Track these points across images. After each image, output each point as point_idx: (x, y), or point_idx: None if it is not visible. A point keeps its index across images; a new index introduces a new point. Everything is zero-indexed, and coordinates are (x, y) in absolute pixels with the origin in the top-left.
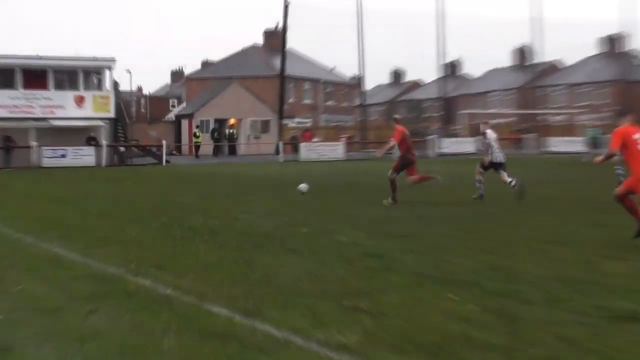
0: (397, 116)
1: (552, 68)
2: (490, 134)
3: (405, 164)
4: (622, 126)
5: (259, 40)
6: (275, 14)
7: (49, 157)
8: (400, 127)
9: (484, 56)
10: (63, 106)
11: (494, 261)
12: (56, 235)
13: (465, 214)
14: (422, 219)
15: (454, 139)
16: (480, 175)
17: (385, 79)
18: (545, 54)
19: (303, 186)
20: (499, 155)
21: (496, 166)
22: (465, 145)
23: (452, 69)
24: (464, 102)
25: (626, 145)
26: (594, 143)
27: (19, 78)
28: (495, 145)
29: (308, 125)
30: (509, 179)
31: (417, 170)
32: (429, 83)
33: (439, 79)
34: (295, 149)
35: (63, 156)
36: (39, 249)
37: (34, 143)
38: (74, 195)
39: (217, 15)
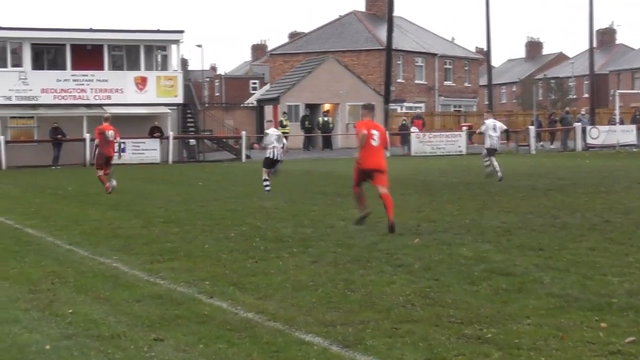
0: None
1: None
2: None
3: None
4: None
5: (360, 5)
6: None
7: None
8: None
9: None
10: (121, 90)
11: None
12: (114, 247)
13: (618, 222)
14: (564, 229)
15: (606, 127)
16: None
17: (518, 52)
18: None
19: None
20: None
21: (491, 152)
22: (621, 135)
23: (604, 39)
24: (619, 79)
25: None
26: None
27: (68, 56)
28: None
29: (420, 111)
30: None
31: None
32: (574, 57)
33: (587, 52)
34: (405, 141)
35: (122, 151)
36: (95, 263)
37: (86, 135)
38: (135, 198)
39: None
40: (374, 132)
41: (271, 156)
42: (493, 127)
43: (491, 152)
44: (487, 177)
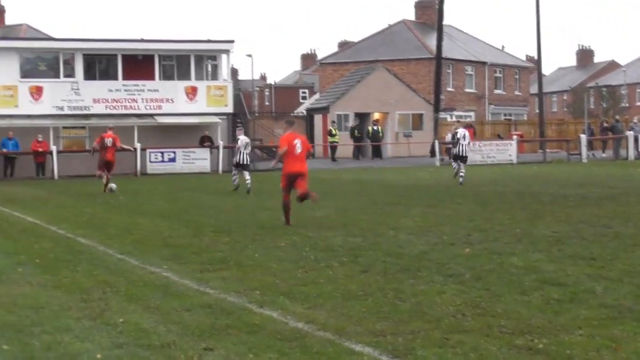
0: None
1: None
2: (460, 132)
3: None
4: None
5: (409, 14)
6: None
7: (155, 161)
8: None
9: None
10: (171, 99)
11: None
12: (165, 257)
13: None
14: (616, 238)
15: None
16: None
17: (569, 60)
18: None
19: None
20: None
21: (462, 159)
22: None
23: None
24: None
25: None
26: None
27: (119, 66)
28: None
29: (470, 120)
30: (463, 173)
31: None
32: (626, 64)
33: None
34: None
35: (172, 160)
36: (145, 272)
37: (137, 145)
38: (185, 208)
39: None
40: (297, 141)
41: (238, 159)
42: (463, 137)
43: (461, 158)
44: (455, 177)
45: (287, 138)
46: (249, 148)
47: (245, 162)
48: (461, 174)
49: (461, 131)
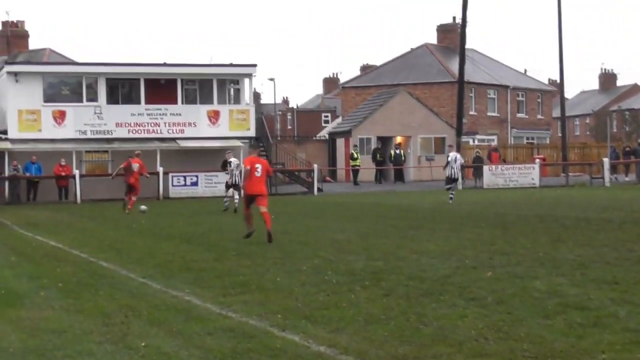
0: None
1: None
2: (452, 155)
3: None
4: None
5: (432, 38)
6: (452, 5)
7: (178, 185)
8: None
9: None
10: (194, 123)
11: None
12: (187, 280)
13: None
14: None
15: None
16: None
17: (592, 83)
18: None
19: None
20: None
21: (451, 181)
22: None
23: None
24: None
25: None
26: None
27: (142, 90)
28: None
29: (495, 144)
30: (452, 195)
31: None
32: None
33: None
34: (478, 174)
35: (194, 184)
36: (167, 296)
37: (160, 169)
38: (207, 232)
39: (380, 9)
40: (258, 165)
41: (232, 181)
42: (455, 159)
43: (452, 180)
44: (451, 199)
45: (250, 160)
46: (240, 168)
47: (237, 183)
48: (451, 195)
49: (452, 155)
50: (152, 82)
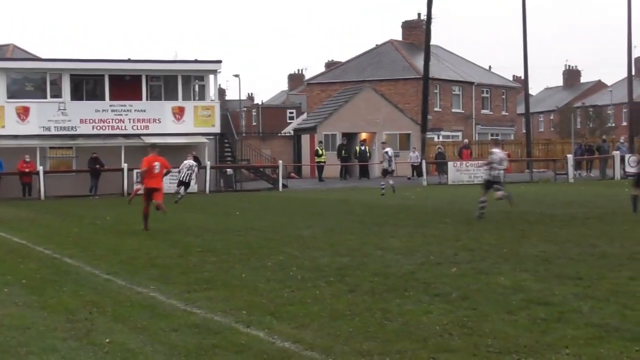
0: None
1: None
2: (390, 151)
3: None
4: None
5: (397, 35)
6: (417, 2)
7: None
8: (149, 156)
9: None
10: (159, 120)
11: None
12: (152, 277)
13: None
14: (603, 258)
15: None
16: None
17: (556, 80)
18: None
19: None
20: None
21: (490, 183)
22: None
23: None
24: None
25: None
26: None
27: (106, 87)
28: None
29: (466, 141)
30: (383, 185)
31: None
32: (612, 85)
33: (625, 79)
34: (442, 170)
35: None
36: (132, 292)
37: (124, 165)
38: (172, 228)
39: (345, 5)
40: (156, 163)
41: (183, 179)
42: (390, 155)
43: (388, 173)
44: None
45: (148, 160)
46: (194, 169)
47: (186, 181)
48: (382, 185)
49: (390, 150)
50: (116, 79)
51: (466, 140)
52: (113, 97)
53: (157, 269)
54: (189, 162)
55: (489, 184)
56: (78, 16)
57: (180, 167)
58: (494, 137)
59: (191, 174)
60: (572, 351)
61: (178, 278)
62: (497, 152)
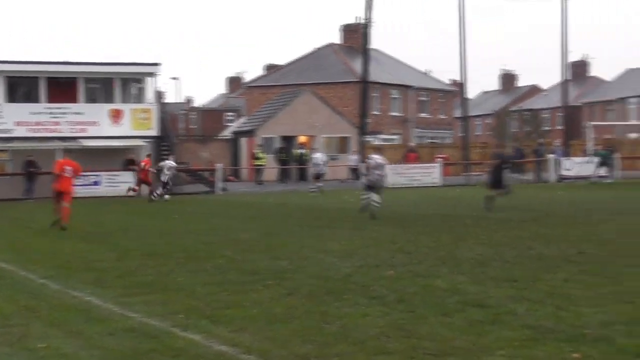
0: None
1: None
2: (375, 159)
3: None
4: None
5: (336, 38)
6: (356, 5)
7: (79, 184)
8: (62, 160)
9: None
10: (96, 122)
11: (632, 312)
12: (88, 281)
13: (592, 253)
14: (538, 260)
15: (578, 159)
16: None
17: (493, 84)
18: None
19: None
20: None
21: (370, 187)
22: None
23: (577, 72)
24: (593, 111)
25: None
26: None
27: (43, 89)
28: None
29: (412, 144)
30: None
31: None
32: (548, 89)
33: (561, 84)
34: None
35: (96, 183)
36: (67, 297)
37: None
38: (109, 231)
39: (285, 9)
40: (67, 167)
41: (165, 180)
42: (320, 160)
43: (371, 188)
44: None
45: (60, 163)
46: (173, 171)
47: (167, 181)
48: (312, 188)
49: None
50: (53, 81)
51: (412, 144)
52: (49, 100)
53: (93, 272)
54: (169, 162)
55: (369, 188)
56: (15, 18)
57: (161, 167)
58: (377, 143)
59: (171, 175)
60: (507, 353)
61: (115, 282)
62: (375, 158)
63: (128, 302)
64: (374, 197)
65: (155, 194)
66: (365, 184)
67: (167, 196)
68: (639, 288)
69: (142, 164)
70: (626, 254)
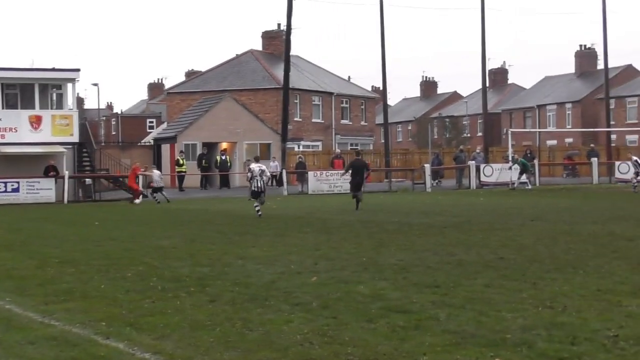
0: None
1: (625, 74)
2: (254, 166)
3: None
4: None
5: (257, 44)
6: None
7: None
8: None
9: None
10: (15, 129)
11: (550, 317)
12: (7, 289)
13: (512, 259)
14: (459, 266)
15: (498, 165)
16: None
17: (413, 91)
18: (616, 57)
19: None
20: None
21: (255, 195)
22: (515, 173)
23: (496, 79)
24: (511, 118)
25: None
26: None
27: None
28: (257, 177)
29: (339, 151)
30: (258, 208)
31: None
32: (468, 96)
33: (480, 91)
34: (302, 179)
35: (15, 190)
36: None
37: None
38: (29, 239)
39: (205, 14)
40: None
41: (156, 185)
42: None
43: (257, 194)
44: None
45: None
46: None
47: (159, 186)
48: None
49: (256, 167)
50: None
51: (338, 150)
52: None
53: (13, 280)
54: (157, 172)
55: (256, 194)
56: None
57: (153, 175)
58: (255, 155)
59: (160, 180)
60: (429, 358)
61: (35, 290)
62: (255, 166)
63: (49, 310)
64: (260, 201)
65: (135, 202)
66: (251, 192)
67: (162, 199)
68: (558, 293)
69: (134, 169)
70: (544, 260)
